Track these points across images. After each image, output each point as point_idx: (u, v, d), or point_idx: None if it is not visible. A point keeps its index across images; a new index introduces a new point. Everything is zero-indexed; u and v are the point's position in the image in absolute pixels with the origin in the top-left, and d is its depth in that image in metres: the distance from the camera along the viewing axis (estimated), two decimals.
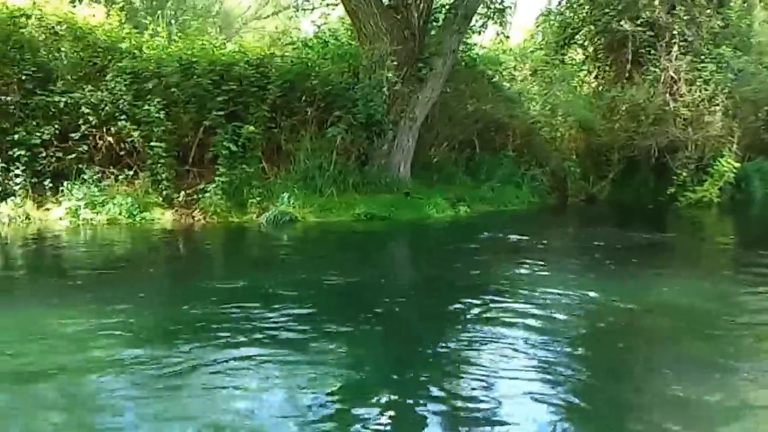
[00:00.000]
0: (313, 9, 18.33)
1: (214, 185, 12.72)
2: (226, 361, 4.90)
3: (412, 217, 14.01)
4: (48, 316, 6.15)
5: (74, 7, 15.28)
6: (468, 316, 6.34)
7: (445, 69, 15.78)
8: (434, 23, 16.33)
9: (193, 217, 12.55)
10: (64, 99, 12.57)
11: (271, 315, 6.11)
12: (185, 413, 4.08)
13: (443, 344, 5.51)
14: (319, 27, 17.22)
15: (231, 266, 9.47)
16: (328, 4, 17.69)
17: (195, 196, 12.81)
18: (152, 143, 12.60)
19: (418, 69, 15.41)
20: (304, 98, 14.38)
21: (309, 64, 14.85)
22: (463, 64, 17.55)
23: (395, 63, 14.76)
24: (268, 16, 26.78)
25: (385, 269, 9.33)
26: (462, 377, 4.76)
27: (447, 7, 16.40)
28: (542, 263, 9.17)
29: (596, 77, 20.81)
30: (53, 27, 13.64)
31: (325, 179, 13.90)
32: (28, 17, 13.44)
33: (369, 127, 14.62)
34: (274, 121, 14.04)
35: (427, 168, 16.52)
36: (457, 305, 6.74)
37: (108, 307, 6.31)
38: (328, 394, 4.34)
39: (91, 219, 11.90)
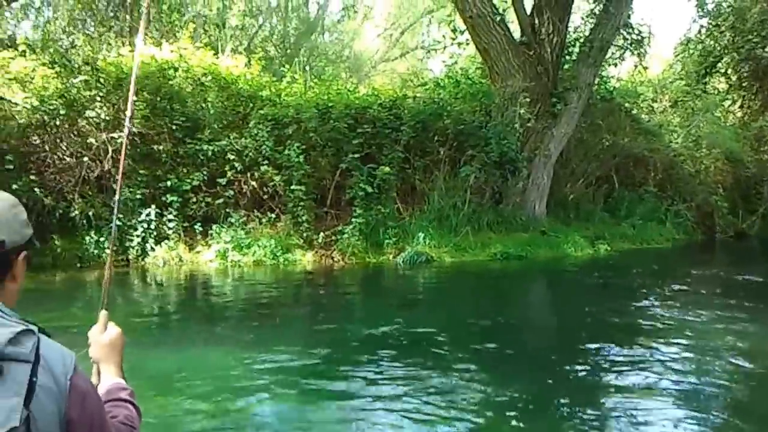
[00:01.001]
0: (444, 48, 18.46)
1: (351, 226, 12.93)
2: (380, 398, 4.90)
3: (549, 255, 13.69)
4: (210, 352, 6.38)
5: (218, 58, 16.13)
6: (617, 359, 6.12)
7: (581, 103, 15.44)
8: (568, 57, 16.04)
9: (332, 258, 12.79)
10: (211, 147, 13.21)
11: (418, 354, 6.12)
12: None
13: (595, 388, 5.35)
14: (450, 67, 17.32)
15: (374, 307, 9.48)
16: (458, 44, 17.77)
17: (333, 237, 13.06)
18: (293, 187, 13.01)
19: (553, 104, 15.16)
20: (436, 138, 14.45)
21: (441, 104, 14.94)
22: (598, 97, 17.12)
23: (528, 99, 14.60)
24: (397, 58, 27.35)
25: (526, 309, 9.14)
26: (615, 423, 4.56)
27: (581, 40, 16.08)
28: (694, 303, 8.71)
29: (741, 107, 19.76)
30: (199, 78, 14.45)
31: (459, 218, 13.83)
32: (176, 69, 14.32)
33: (502, 165, 14.47)
34: (408, 162, 14.18)
35: (563, 205, 16.12)
36: (605, 346, 6.50)
37: (263, 347, 6.48)
38: None
39: (239, 260, 12.36)
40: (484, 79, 16.31)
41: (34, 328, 1.34)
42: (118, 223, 12.21)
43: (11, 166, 11.89)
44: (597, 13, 15.88)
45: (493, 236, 13.96)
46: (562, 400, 5.07)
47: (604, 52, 15.89)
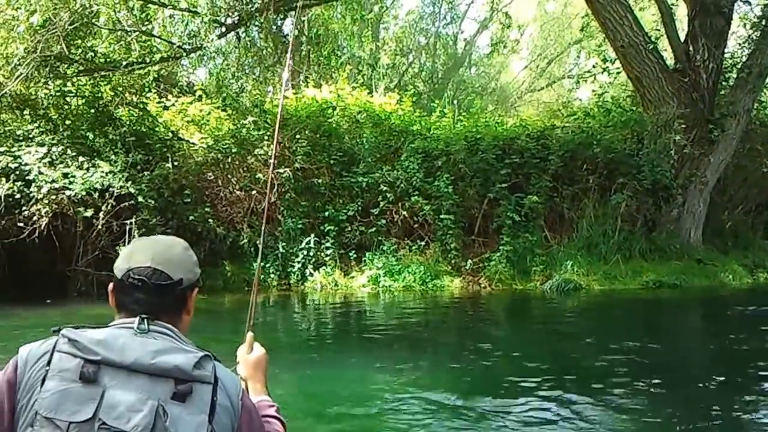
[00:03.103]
0: (594, 78, 18.39)
1: (498, 254, 13.18)
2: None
3: (705, 284, 13.18)
4: (363, 373, 6.81)
5: (371, 96, 17.08)
6: None
7: (738, 129, 14.84)
8: (724, 83, 15.49)
9: (479, 284, 13.08)
10: (365, 179, 14.02)
11: (569, 382, 6.17)
12: None
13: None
14: (599, 95, 17.23)
15: (522, 335, 9.58)
16: (609, 73, 17.65)
17: (481, 264, 13.35)
18: (442, 216, 13.50)
19: (709, 131, 14.67)
20: (585, 167, 14.40)
21: (590, 133, 14.89)
22: (758, 123, 16.33)
23: (683, 126, 14.25)
24: (543, 88, 27.38)
25: (682, 340, 8.85)
26: None
27: (738, 66, 15.49)
28: None
29: None
30: (355, 116, 15.41)
31: (609, 246, 13.67)
32: (334, 109, 15.37)
33: (655, 193, 14.18)
34: (556, 190, 14.23)
35: (719, 233, 15.44)
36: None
37: (414, 371, 6.79)
38: None
39: (389, 286, 12.96)
40: (635, 107, 16.09)
41: (211, 354, 1.55)
42: (282, 251, 13.26)
43: (189, 200, 13.26)
44: (755, 39, 15.27)
45: (645, 264, 13.65)
46: None
47: (764, 77, 15.20)
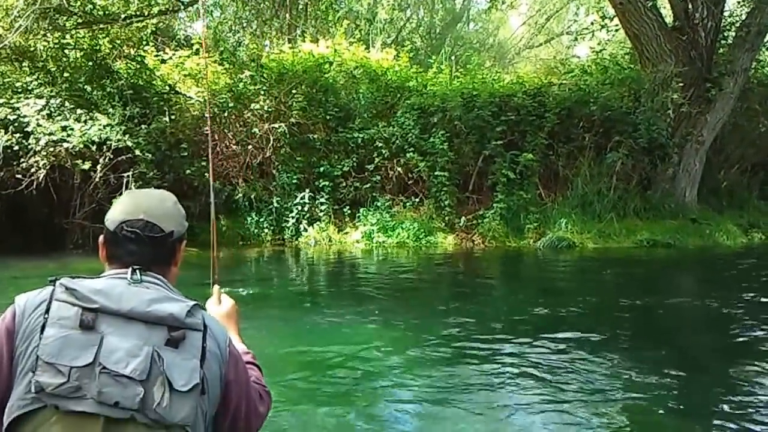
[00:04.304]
0: (592, 34, 18.25)
1: (492, 211, 13.29)
2: (505, 378, 5.25)
3: (699, 244, 13.29)
4: (352, 326, 6.92)
5: (368, 52, 16.98)
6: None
7: (736, 88, 14.80)
8: (723, 42, 15.38)
9: (472, 241, 13.22)
10: (361, 135, 14.07)
11: (561, 339, 6.27)
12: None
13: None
14: (597, 53, 17.11)
15: (515, 291, 9.63)
16: (607, 30, 17.51)
17: (474, 222, 13.47)
18: (436, 173, 13.57)
19: (707, 90, 14.63)
20: (581, 124, 14.40)
21: (587, 91, 14.84)
22: (755, 82, 16.25)
23: (681, 84, 14.20)
24: (541, 45, 27.07)
25: (675, 298, 8.88)
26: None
27: (737, 24, 15.36)
28: None
29: None
30: (352, 71, 15.36)
31: (603, 205, 13.76)
32: (331, 64, 15.30)
33: (651, 151, 14.21)
34: (551, 148, 14.26)
35: (715, 192, 15.51)
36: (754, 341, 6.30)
37: (403, 324, 6.90)
38: None
39: (383, 242, 13.11)
40: (633, 65, 16.00)
41: (200, 303, 1.61)
42: (276, 206, 13.38)
43: (186, 153, 13.33)
44: None
45: (639, 223, 13.76)
46: (718, 399, 4.77)
47: (762, 36, 15.09)
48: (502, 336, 6.30)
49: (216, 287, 2.18)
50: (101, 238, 1.72)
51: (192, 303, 1.59)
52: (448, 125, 14.13)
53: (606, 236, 13.28)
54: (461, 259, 12.21)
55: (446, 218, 13.51)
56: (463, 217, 13.53)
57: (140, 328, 1.49)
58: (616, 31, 17.16)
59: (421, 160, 13.76)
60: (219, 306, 2.14)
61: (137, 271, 1.60)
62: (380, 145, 13.98)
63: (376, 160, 13.94)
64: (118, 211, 1.68)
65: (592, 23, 19.14)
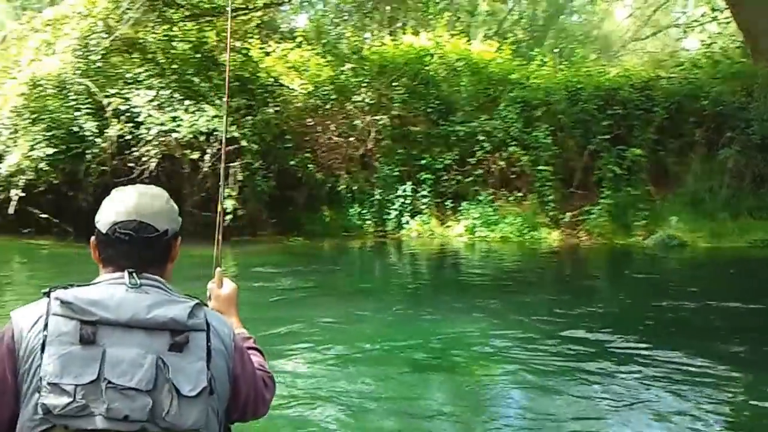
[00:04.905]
0: (702, 27, 17.53)
1: (599, 207, 12.92)
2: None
3: None
4: (455, 320, 6.83)
5: (470, 44, 16.79)
6: None
7: None
8: None
9: (578, 238, 12.89)
10: (463, 128, 13.92)
11: (674, 341, 6.04)
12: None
13: None
14: (707, 46, 16.41)
15: (623, 289, 9.33)
16: (718, 22, 16.78)
17: (580, 218, 13.12)
18: (540, 167, 13.31)
19: None
20: (692, 119, 13.83)
21: (698, 85, 14.25)
22: None
23: None
24: (648, 37, 26.19)
25: None
26: None
27: None
28: None
29: None
30: (453, 64, 15.22)
31: (716, 203, 13.16)
32: (432, 56, 15.19)
33: (765, 148, 13.51)
34: (660, 143, 13.75)
35: None
36: None
37: (507, 320, 6.76)
38: None
39: (485, 236, 12.93)
40: (745, 59, 15.27)
41: (200, 301, 1.56)
42: (378, 198, 13.39)
43: (289, 145, 13.48)
44: None
45: (752, 222, 13.09)
46: None
47: None
48: (612, 336, 6.10)
49: (218, 270, 2.10)
50: (93, 239, 1.63)
51: (193, 303, 1.53)
52: (552, 119, 13.83)
53: (718, 236, 12.69)
54: (567, 256, 11.94)
55: (550, 213, 13.22)
56: (568, 213, 13.19)
57: (141, 336, 1.44)
58: (728, 23, 16.40)
59: (523, 154, 13.52)
60: (220, 289, 2.07)
61: (134, 274, 1.53)
62: (482, 138, 13.80)
63: (478, 153, 13.76)
64: (109, 212, 1.59)
65: (702, 15, 18.40)
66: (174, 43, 13.99)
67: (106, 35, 12.73)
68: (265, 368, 1.84)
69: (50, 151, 11.48)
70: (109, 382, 1.38)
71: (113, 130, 11.97)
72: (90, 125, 11.86)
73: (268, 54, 14.68)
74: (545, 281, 10.02)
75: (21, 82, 12.06)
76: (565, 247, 12.47)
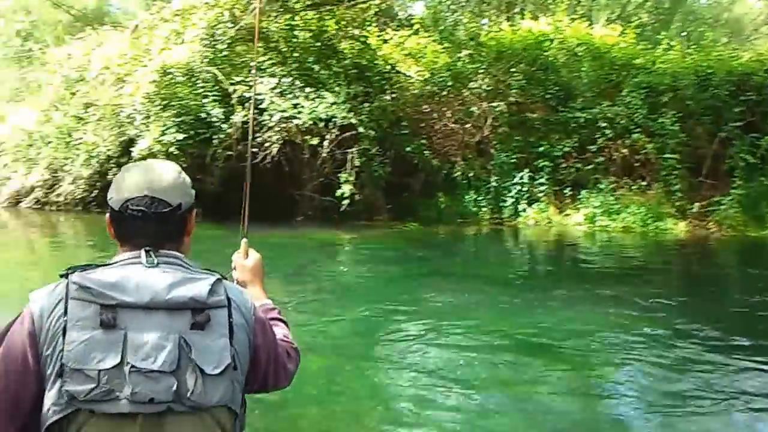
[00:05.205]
0: None
1: (729, 198, 12.26)
2: None
3: None
4: (571, 312, 6.59)
5: (591, 28, 16.27)
6: None
7: None
8: None
9: (707, 229, 12.26)
10: (583, 115, 13.52)
11: None
12: None
13: None
14: None
15: (753, 286, 8.61)
16: None
17: (709, 208, 12.48)
18: (666, 155, 12.74)
19: None
20: None
21: None
22: None
23: None
24: None
25: None
26: None
27: None
28: None
29: None
30: (573, 49, 14.78)
31: None
32: (551, 41, 14.82)
33: None
34: None
35: None
36: None
37: (628, 313, 6.44)
38: None
39: (606, 226, 12.51)
40: None
41: (219, 276, 1.53)
42: (494, 185, 13.23)
43: (406, 131, 13.51)
44: None
45: None
46: None
47: None
48: (740, 336, 5.68)
49: (244, 240, 2.11)
50: (107, 216, 1.60)
51: (213, 279, 1.49)
52: (679, 105, 13.20)
53: None
54: (694, 248, 11.37)
55: (677, 204, 12.62)
56: (696, 203, 12.56)
57: (162, 317, 1.41)
58: None
59: (648, 142, 12.99)
60: (246, 260, 2.06)
61: (150, 252, 1.50)
62: (604, 125, 13.35)
63: (599, 140, 13.33)
64: (121, 189, 1.55)
65: None
66: (295, 32, 14.28)
67: (232, 25, 13.15)
68: (289, 339, 1.82)
69: (180, 136, 11.96)
70: (133, 366, 1.36)
71: (238, 117, 12.34)
72: (216, 112, 12.30)
73: (385, 42, 14.75)
74: (670, 274, 9.58)
75: (152, 70, 12.64)
76: (693, 238, 11.88)
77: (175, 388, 1.38)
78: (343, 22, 14.39)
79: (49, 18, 21.63)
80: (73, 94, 14.54)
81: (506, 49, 14.44)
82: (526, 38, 14.67)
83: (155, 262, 1.49)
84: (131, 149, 12.22)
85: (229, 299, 1.50)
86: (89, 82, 14.17)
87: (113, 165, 12.63)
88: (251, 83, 12.76)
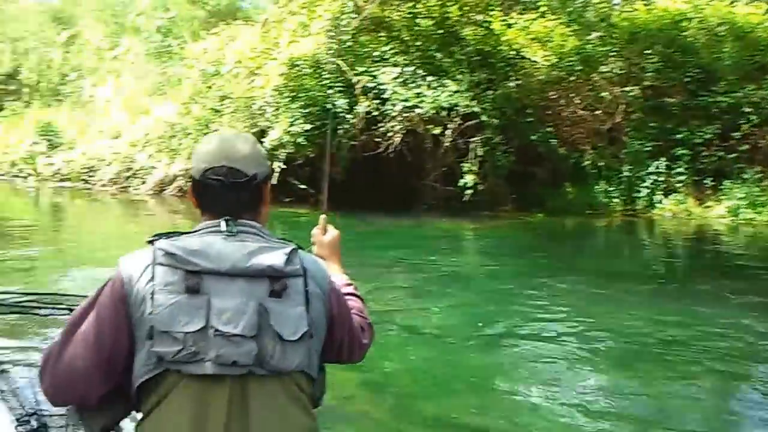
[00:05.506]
0: None
1: None
2: None
3: None
4: (708, 311, 6.14)
5: (733, 6, 15.13)
6: None
7: None
8: None
9: None
10: (725, 99, 12.62)
11: None
12: None
13: None
14: None
15: None
16: None
17: None
18: None
19: None
20: None
21: None
22: None
23: None
24: None
25: None
26: None
27: None
28: None
29: None
30: (714, 29, 13.80)
31: None
32: (690, 20, 13.89)
33: None
34: None
35: None
36: None
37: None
38: None
39: (751, 219, 11.65)
40: None
41: (296, 246, 1.58)
42: (627, 174, 12.62)
43: (531, 119, 13.12)
44: None
45: None
46: None
47: None
48: None
49: (323, 216, 2.11)
50: (189, 186, 1.68)
51: (289, 248, 1.55)
52: None
53: None
54: None
55: None
56: None
57: (242, 283, 1.48)
58: None
59: None
60: (323, 236, 2.08)
61: (230, 222, 1.56)
62: (748, 110, 12.43)
63: (744, 127, 12.42)
64: (200, 159, 1.62)
65: None
66: (418, 20, 14.17)
67: (356, 15, 13.22)
68: (364, 314, 1.86)
69: (307, 126, 12.19)
70: (216, 330, 1.43)
71: (362, 107, 12.41)
72: (341, 102, 12.42)
73: (509, 26, 14.34)
74: None
75: (280, 63, 12.94)
76: None
77: (255, 352, 1.45)
78: (466, 8, 14.13)
79: (186, 14, 22.67)
80: (210, 87, 15.15)
81: (640, 30, 13.66)
82: (661, 18, 13.81)
83: (234, 230, 1.56)
84: (263, 140, 12.56)
85: (304, 269, 1.56)
86: (224, 75, 14.71)
87: None
88: (374, 73, 12.82)
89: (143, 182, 15.51)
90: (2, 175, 19.25)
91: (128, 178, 15.99)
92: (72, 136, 18.53)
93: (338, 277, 1.92)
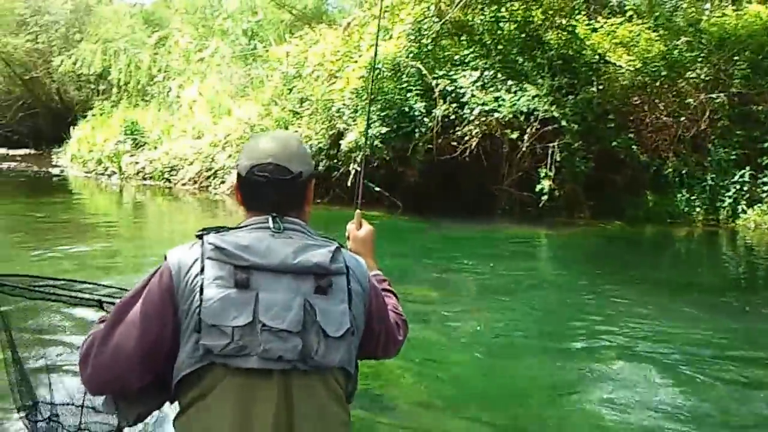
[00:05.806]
0: None
1: None
2: None
3: None
4: None
5: None
6: None
7: None
8: None
9: None
10: None
11: None
12: None
13: None
14: None
15: None
16: None
17: None
18: None
19: None
20: None
21: None
22: None
23: None
24: None
25: None
26: None
27: None
28: None
29: None
30: None
31: None
32: None
33: None
34: None
35: None
36: None
37: None
38: None
39: None
40: None
41: (339, 244, 1.62)
42: (710, 183, 12.25)
43: (612, 125, 12.88)
44: None
45: None
46: None
47: None
48: None
49: (358, 212, 2.22)
50: (235, 182, 1.71)
51: (333, 247, 1.59)
52: None
53: None
54: None
55: None
56: None
57: (289, 280, 1.50)
58: None
59: None
60: (359, 231, 2.15)
61: (277, 219, 1.60)
62: None
63: None
64: (247, 156, 1.67)
65: None
66: (501, 24, 14.12)
67: (437, 19, 13.30)
68: (399, 311, 1.90)
69: (384, 129, 12.33)
70: (264, 325, 1.46)
71: (439, 110, 12.47)
72: (419, 105, 12.52)
73: (594, 30, 14.12)
74: None
75: (360, 66, 13.15)
76: None
77: (300, 347, 1.48)
78: (551, 12, 13.98)
79: (273, 17, 23.22)
80: (290, 90, 15.52)
81: (730, 36, 13.23)
82: (752, 24, 13.32)
83: (281, 227, 1.61)
84: (340, 142, 12.79)
85: (347, 267, 1.61)
86: (305, 78, 15.05)
87: (323, 157, 13.29)
88: (453, 77, 12.84)
89: (222, 182, 16.00)
90: (89, 173, 20.03)
91: (208, 177, 16.46)
92: (156, 136, 19.15)
93: (373, 272, 1.93)
